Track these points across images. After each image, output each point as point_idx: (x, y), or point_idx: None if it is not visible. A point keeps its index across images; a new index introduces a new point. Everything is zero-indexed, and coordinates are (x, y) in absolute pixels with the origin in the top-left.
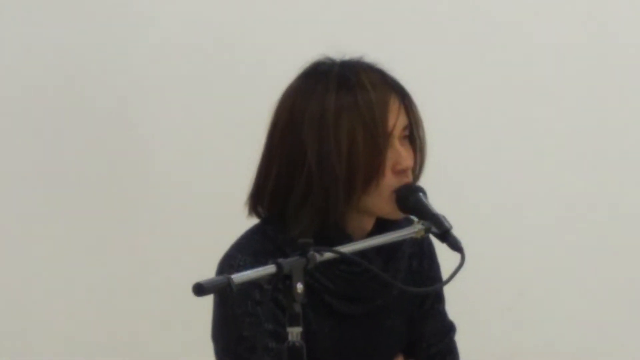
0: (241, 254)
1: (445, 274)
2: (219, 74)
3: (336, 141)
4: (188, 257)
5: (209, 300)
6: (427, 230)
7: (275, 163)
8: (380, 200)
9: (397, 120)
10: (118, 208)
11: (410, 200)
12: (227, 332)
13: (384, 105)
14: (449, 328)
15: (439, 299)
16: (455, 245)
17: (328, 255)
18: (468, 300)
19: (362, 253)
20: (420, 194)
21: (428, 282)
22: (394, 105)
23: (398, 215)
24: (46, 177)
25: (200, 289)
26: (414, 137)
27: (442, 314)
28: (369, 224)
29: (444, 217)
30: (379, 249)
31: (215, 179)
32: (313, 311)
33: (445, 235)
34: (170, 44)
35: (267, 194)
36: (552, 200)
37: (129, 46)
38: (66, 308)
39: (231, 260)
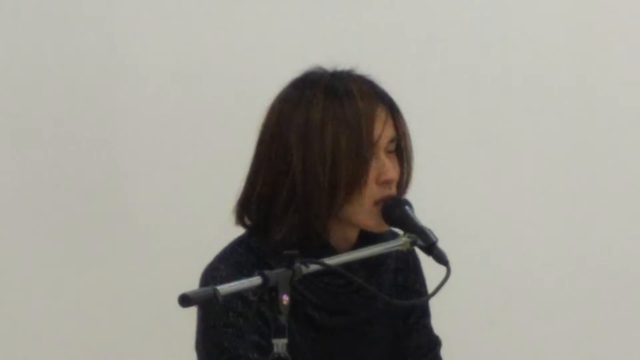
0: (224, 265)
1: (430, 286)
2: (203, 83)
3: (320, 149)
4: (173, 268)
5: (193, 310)
6: (413, 243)
7: (262, 171)
8: (362, 210)
9: (383, 131)
10: (104, 216)
11: (396, 212)
12: (208, 343)
13: (371, 116)
14: (435, 342)
15: (425, 313)
16: (441, 259)
17: (314, 267)
18: (453, 313)
19: (347, 265)
20: (406, 207)
21: (413, 296)
22: (381, 116)
23: (383, 227)
24: (26, 184)
25: (185, 300)
26: (401, 150)
27: (428, 328)
28: (352, 235)
29: (429, 230)
30: (363, 262)
31: (202, 188)
32: (296, 323)
33: (431, 248)
34: (155, 50)
35: (253, 202)
36: (537, 214)
37: (108, 54)
38: (49, 318)
39: (213, 272)
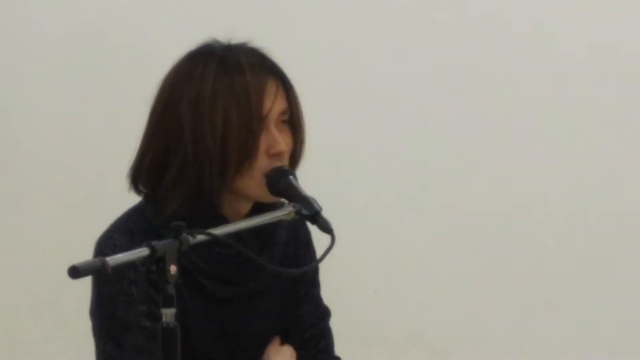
0: (117, 234)
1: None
2: (92, 60)
3: (212, 123)
4: (64, 240)
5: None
6: (298, 213)
7: (154, 141)
8: (252, 182)
9: (273, 105)
10: None
11: (281, 183)
12: (101, 310)
13: (261, 89)
14: (324, 313)
15: (314, 284)
16: (325, 227)
17: (201, 237)
18: (337, 282)
19: (239, 236)
20: (291, 177)
21: (303, 267)
22: (271, 89)
23: (270, 198)
24: None
25: (75, 272)
26: (293, 122)
27: (317, 299)
28: (244, 207)
29: (314, 199)
30: (255, 234)
31: (90, 157)
32: (188, 293)
33: (315, 217)
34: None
35: (144, 171)
36: (419, 191)
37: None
38: None
39: (107, 241)
